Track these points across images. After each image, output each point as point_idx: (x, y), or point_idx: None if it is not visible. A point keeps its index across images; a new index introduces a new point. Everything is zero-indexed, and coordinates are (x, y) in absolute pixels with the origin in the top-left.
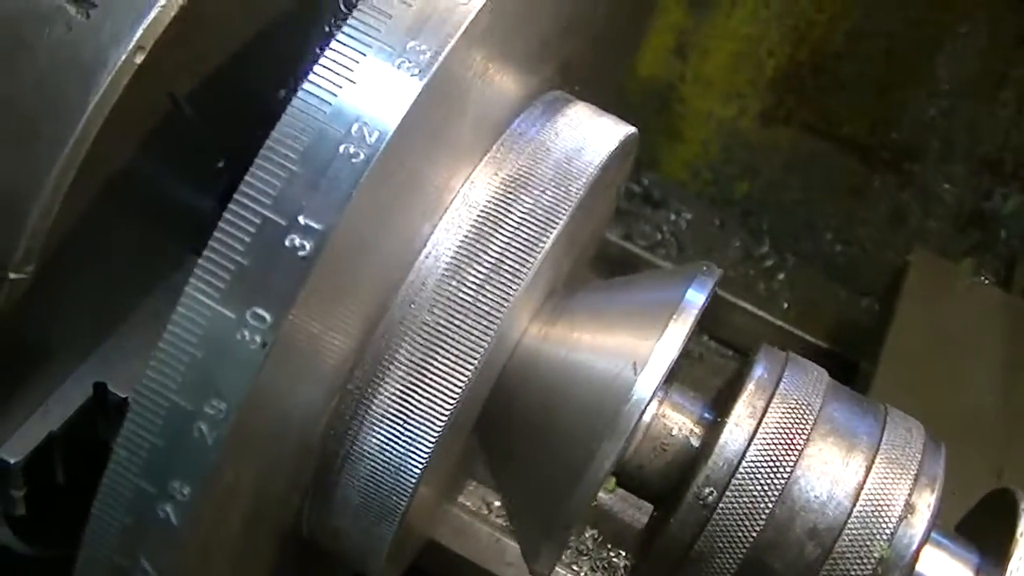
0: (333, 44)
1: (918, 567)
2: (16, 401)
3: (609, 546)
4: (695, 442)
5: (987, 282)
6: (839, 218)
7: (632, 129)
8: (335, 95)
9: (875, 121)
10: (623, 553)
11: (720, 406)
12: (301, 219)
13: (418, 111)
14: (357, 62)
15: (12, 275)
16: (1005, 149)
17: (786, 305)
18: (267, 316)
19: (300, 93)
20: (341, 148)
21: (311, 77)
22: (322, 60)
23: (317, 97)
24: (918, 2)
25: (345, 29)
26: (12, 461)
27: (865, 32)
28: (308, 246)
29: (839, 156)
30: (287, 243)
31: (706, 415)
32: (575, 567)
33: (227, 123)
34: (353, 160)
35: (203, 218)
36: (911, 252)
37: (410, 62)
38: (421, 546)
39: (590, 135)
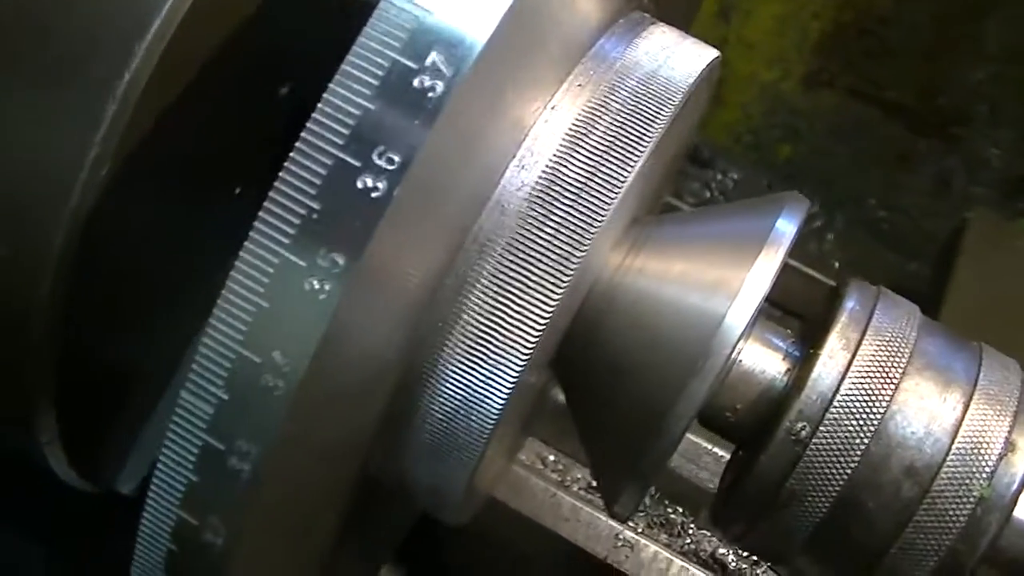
0: None
1: (1018, 509)
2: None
3: (666, 502)
4: (784, 378)
5: None
6: (884, 183)
7: (716, 53)
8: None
9: (921, 86)
10: (680, 509)
11: (808, 341)
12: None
13: (504, 32)
14: None
15: None
16: None
17: (836, 265)
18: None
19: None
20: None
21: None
22: None
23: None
24: None
25: None
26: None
27: None
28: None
29: (884, 121)
30: (359, 184)
31: (794, 350)
32: (631, 523)
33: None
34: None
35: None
36: (970, 211)
37: None
38: (487, 498)
39: (675, 58)
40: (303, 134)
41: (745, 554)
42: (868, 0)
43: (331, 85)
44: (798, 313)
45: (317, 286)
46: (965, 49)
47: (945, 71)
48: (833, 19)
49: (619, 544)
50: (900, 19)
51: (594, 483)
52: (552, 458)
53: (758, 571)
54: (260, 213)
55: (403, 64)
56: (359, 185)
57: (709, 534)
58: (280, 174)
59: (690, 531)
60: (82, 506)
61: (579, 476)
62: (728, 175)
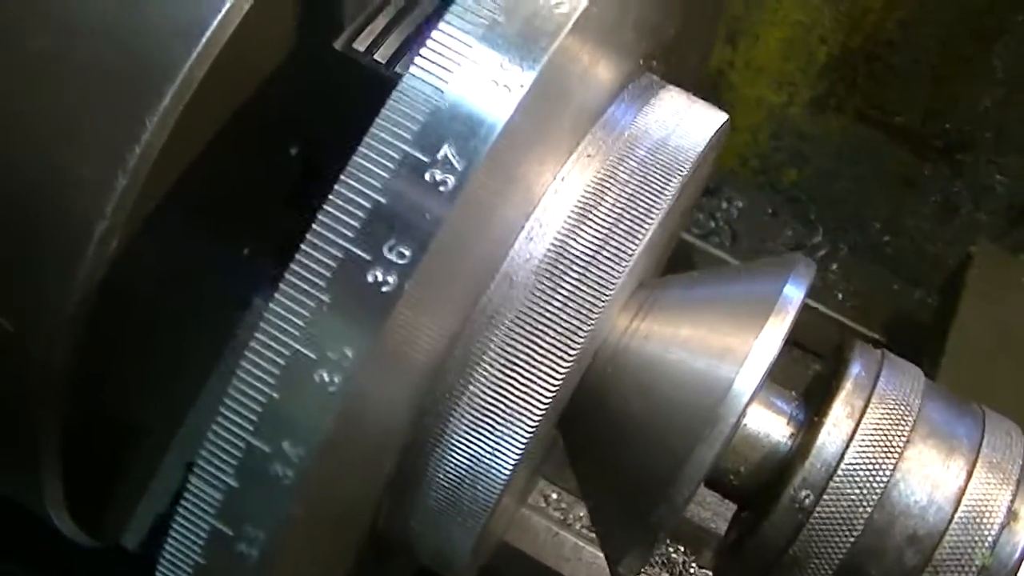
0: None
1: None
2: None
3: (668, 541)
4: (789, 443)
5: None
6: (888, 208)
7: (725, 116)
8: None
9: (928, 111)
10: (682, 548)
11: (812, 406)
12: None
13: (522, 114)
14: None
15: None
16: None
17: (840, 296)
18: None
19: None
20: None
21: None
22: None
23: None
24: None
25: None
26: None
27: (920, 21)
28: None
29: (890, 145)
30: (369, 278)
31: (799, 415)
32: None
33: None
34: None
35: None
36: (973, 244)
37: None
38: (495, 547)
39: (685, 123)
40: (314, 225)
41: None
42: (875, 24)
43: (342, 176)
44: (801, 344)
45: (327, 378)
46: (972, 74)
47: (952, 96)
48: (840, 43)
49: None
50: (907, 43)
51: None
52: (555, 496)
53: None
54: (271, 304)
55: (415, 157)
56: (369, 279)
57: (711, 574)
58: (291, 265)
59: (691, 570)
60: (87, 562)
61: (581, 515)
62: (733, 203)
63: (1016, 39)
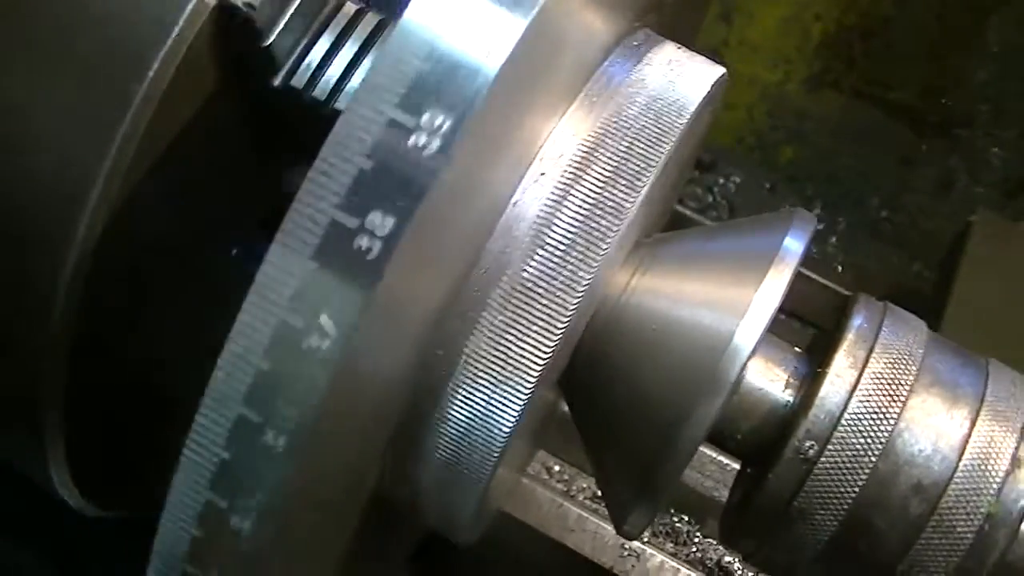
0: None
1: None
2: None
3: (672, 511)
4: (791, 396)
5: None
6: (886, 184)
7: (723, 70)
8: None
9: (925, 86)
10: (685, 518)
11: (815, 358)
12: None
13: (517, 59)
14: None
15: None
16: None
17: (840, 268)
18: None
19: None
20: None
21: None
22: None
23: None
24: None
25: None
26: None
27: None
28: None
29: (888, 122)
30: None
31: (801, 368)
32: None
33: None
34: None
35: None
36: (973, 212)
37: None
38: (498, 513)
39: (682, 77)
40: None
41: None
42: (870, 2)
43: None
44: (800, 316)
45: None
46: (968, 49)
47: (948, 72)
48: (836, 20)
49: (625, 554)
50: (903, 19)
51: (599, 493)
52: (557, 468)
53: None
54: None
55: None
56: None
57: (715, 543)
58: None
59: (696, 540)
60: (90, 532)
61: (584, 486)
62: (730, 179)
63: (1010, 12)
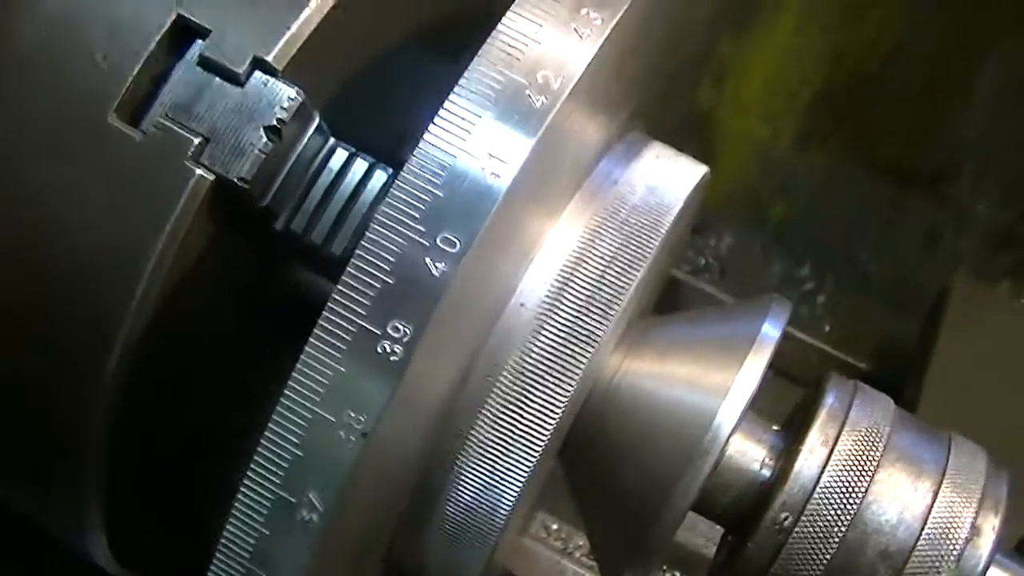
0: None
1: None
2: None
3: (664, 568)
4: (768, 471)
5: None
6: (874, 240)
7: (706, 168)
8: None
9: (910, 143)
10: (677, 573)
11: (791, 435)
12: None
13: (531, 162)
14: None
15: None
16: None
17: (828, 328)
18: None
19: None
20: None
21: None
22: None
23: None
24: (954, 25)
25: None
26: (294, 91)
27: (902, 55)
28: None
29: (874, 178)
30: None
31: (778, 444)
32: None
33: None
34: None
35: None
36: (952, 275)
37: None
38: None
39: (669, 176)
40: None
41: None
42: (857, 62)
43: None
44: (789, 374)
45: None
46: (953, 107)
47: (933, 129)
48: (824, 78)
49: None
50: (888, 78)
51: None
52: (555, 527)
53: None
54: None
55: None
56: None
57: None
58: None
59: None
60: None
61: (581, 543)
62: (722, 240)
63: (994, 72)
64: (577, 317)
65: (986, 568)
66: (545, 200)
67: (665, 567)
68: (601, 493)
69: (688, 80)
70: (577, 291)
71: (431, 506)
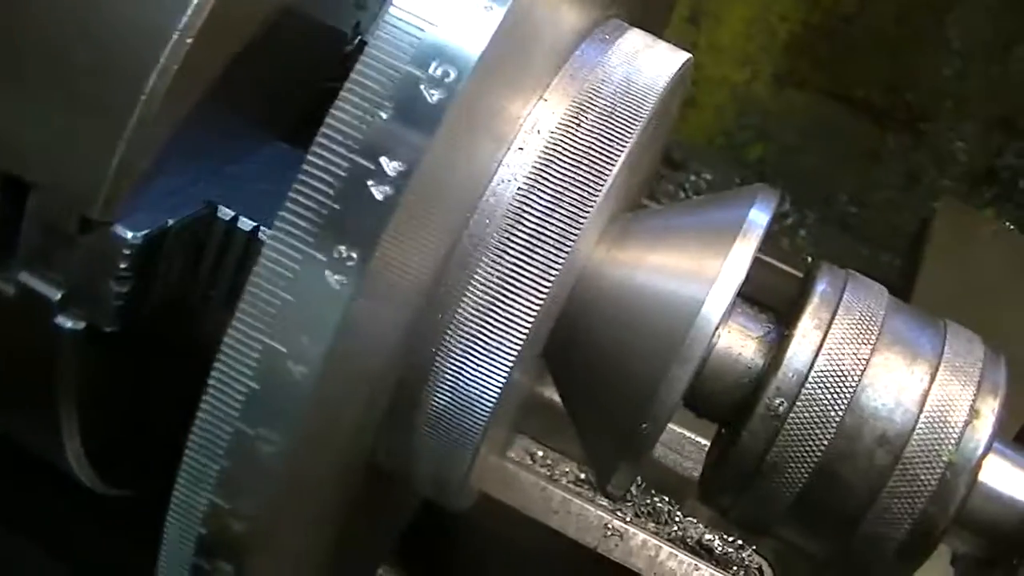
0: None
1: (983, 472)
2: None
3: (652, 492)
4: (761, 359)
5: (1012, 228)
6: (854, 180)
7: (688, 55)
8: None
9: (888, 83)
10: (666, 498)
11: (783, 323)
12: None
13: (497, 44)
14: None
15: None
16: (1017, 107)
17: (810, 260)
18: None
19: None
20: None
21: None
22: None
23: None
24: None
25: None
26: (129, 236)
27: None
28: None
29: (853, 119)
30: (370, 185)
31: (770, 332)
32: (619, 512)
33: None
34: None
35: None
36: (937, 201)
37: None
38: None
39: (651, 61)
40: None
41: (730, 538)
42: (834, 2)
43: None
44: (773, 307)
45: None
46: (929, 46)
47: (911, 68)
48: (801, 20)
49: (608, 534)
50: (865, 19)
51: (582, 476)
52: (541, 453)
53: (743, 555)
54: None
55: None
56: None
57: (695, 521)
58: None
59: (676, 519)
60: (79, 506)
61: (567, 470)
62: (701, 176)
63: (968, 8)
64: (558, 200)
65: (987, 450)
66: (522, 79)
67: (654, 491)
68: (590, 391)
69: None
70: (557, 174)
71: (414, 401)
